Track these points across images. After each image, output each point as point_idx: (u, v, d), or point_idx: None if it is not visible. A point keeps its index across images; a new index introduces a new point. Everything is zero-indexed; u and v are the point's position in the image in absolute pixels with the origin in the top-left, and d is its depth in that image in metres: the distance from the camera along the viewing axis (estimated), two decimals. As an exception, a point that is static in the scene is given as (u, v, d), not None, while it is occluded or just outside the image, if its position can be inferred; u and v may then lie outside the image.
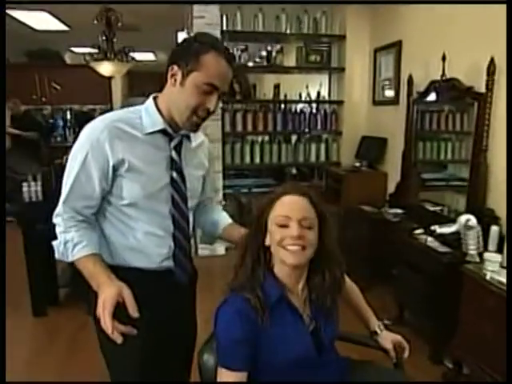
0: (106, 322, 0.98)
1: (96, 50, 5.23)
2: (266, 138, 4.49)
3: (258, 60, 4.14)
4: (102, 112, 7.35)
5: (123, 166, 1.13)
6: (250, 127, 4.13)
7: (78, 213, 1.14)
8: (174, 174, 1.21)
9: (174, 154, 1.21)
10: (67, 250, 1.12)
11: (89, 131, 1.14)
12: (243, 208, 3.12)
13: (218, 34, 3.72)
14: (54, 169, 3.09)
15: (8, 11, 5.03)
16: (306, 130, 4.29)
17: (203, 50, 1.10)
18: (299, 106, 4.55)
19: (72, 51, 7.36)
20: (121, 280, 1.10)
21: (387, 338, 1.29)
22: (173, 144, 1.21)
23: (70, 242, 1.12)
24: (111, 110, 8.07)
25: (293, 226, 1.00)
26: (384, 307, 2.85)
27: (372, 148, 3.94)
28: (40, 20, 5.42)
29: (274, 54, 4.07)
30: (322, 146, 4.28)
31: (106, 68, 5.20)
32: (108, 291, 1.02)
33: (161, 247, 1.22)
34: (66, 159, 1.22)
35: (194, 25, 3.69)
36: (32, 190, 2.87)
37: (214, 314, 1.06)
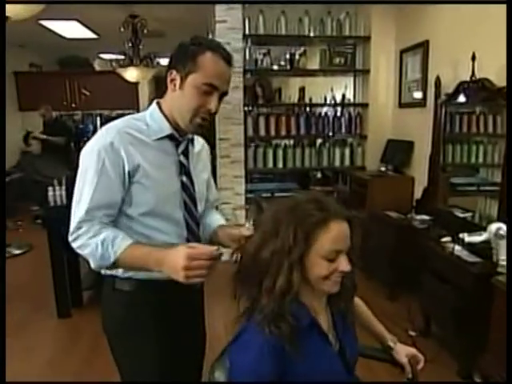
0: (203, 263, 0.97)
1: (122, 57, 5.34)
2: (290, 141, 4.44)
3: (281, 63, 4.10)
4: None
5: (138, 172, 1.12)
6: (273, 131, 4.09)
7: (100, 221, 1.10)
8: (184, 179, 1.21)
9: (182, 158, 1.21)
10: (107, 249, 1.06)
11: (100, 139, 1.12)
12: (262, 211, 3.08)
13: (240, 38, 3.72)
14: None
15: (41, 22, 5.20)
16: (331, 133, 4.21)
17: (199, 52, 1.10)
18: (324, 110, 4.48)
19: (101, 58, 7.55)
20: (137, 293, 1.12)
21: (402, 353, 1.21)
22: (180, 149, 1.21)
23: (107, 239, 1.07)
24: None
25: (343, 260, 0.93)
26: (409, 317, 2.75)
27: (398, 152, 3.83)
28: (70, 29, 5.58)
29: (297, 57, 4.03)
30: (347, 150, 4.20)
31: (131, 74, 5.30)
32: (176, 253, 0.99)
33: None
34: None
35: (217, 29, 3.69)
36: (57, 193, 2.94)
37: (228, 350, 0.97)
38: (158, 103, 1.21)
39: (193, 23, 5.06)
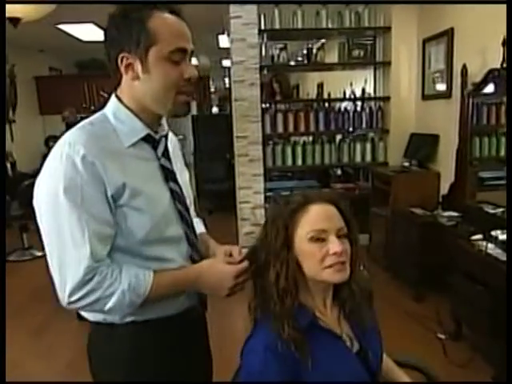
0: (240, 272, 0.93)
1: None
2: (309, 138, 4.35)
3: (299, 58, 4.02)
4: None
5: (124, 193, 0.87)
6: (291, 128, 4.01)
7: (107, 261, 0.89)
8: (173, 186, 0.98)
9: (163, 161, 0.98)
10: (135, 290, 0.88)
11: (63, 162, 0.84)
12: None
13: (255, 33, 3.64)
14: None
15: (58, 26, 5.25)
16: (351, 128, 4.09)
17: (145, 17, 0.87)
18: (343, 105, 4.36)
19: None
20: (139, 336, 0.95)
21: None
22: (160, 150, 0.98)
23: (131, 281, 0.88)
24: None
25: (332, 241, 0.87)
26: (437, 319, 2.63)
27: (422, 146, 3.67)
28: (87, 32, 5.62)
29: (314, 51, 3.93)
30: (368, 146, 4.07)
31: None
32: (216, 270, 0.94)
33: None
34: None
35: (231, 25, 3.63)
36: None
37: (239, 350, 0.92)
38: (117, 98, 0.96)
39: (209, 21, 5.00)
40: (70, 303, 0.86)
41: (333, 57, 4.19)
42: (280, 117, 3.97)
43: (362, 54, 3.92)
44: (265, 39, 3.75)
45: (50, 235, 0.86)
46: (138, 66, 0.89)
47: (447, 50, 3.27)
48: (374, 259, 3.71)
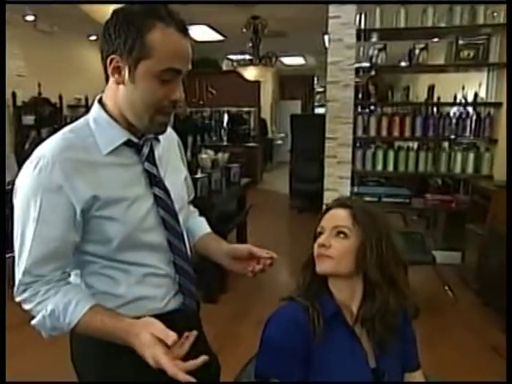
0: (177, 373, 0.74)
1: (247, 57, 5.61)
2: (406, 144, 4.11)
3: (399, 59, 3.82)
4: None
5: (95, 205, 0.86)
6: (384, 132, 3.84)
7: (48, 278, 0.87)
8: (157, 191, 0.94)
9: (147, 165, 0.94)
10: (58, 320, 0.85)
11: (32, 173, 0.84)
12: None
13: (353, 33, 3.56)
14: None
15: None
16: (452, 136, 3.76)
17: (145, 26, 0.82)
18: (450, 110, 4.03)
19: (228, 59, 8.05)
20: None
21: None
22: (144, 154, 0.94)
23: (57, 309, 0.85)
24: (259, 112, 8.58)
25: (324, 235, 0.98)
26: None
27: (536, 160, 3.21)
28: (200, 32, 6.07)
29: (417, 51, 3.68)
30: (471, 156, 3.69)
31: (250, 73, 5.53)
32: (142, 344, 0.79)
33: (162, 286, 0.98)
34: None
35: (330, 25, 3.60)
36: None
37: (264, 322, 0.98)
38: (100, 102, 0.92)
39: (314, 22, 5.02)
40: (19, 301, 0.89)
41: (437, 58, 3.88)
42: (373, 120, 3.83)
43: (471, 54, 3.56)
44: (362, 39, 3.63)
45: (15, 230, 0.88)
46: (126, 73, 0.85)
47: None
48: (465, 281, 3.38)
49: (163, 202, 0.95)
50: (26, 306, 0.88)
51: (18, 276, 0.86)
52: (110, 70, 0.86)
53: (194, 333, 0.79)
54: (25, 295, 0.87)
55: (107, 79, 0.90)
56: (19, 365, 2.29)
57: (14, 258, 0.88)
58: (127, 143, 0.91)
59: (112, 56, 0.84)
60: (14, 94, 4.87)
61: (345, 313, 0.96)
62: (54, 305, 0.85)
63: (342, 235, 0.96)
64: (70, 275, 0.93)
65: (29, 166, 0.85)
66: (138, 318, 0.91)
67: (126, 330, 0.82)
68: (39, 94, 5.10)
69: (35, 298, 0.86)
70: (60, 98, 5.37)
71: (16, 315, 0.93)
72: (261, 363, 0.95)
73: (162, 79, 0.84)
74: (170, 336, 0.77)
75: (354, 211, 0.98)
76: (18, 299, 0.88)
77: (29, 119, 4.99)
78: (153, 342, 0.77)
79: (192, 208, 1.25)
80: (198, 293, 1.08)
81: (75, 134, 0.89)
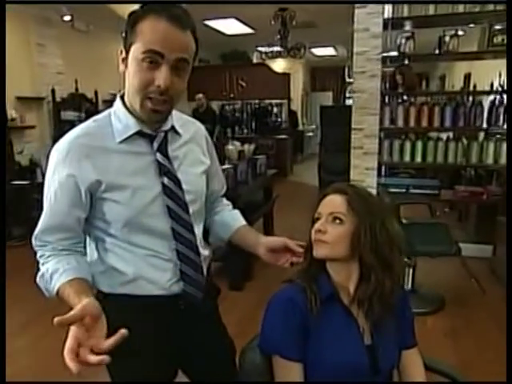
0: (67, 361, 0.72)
1: (277, 49, 5.62)
2: (434, 134, 4.02)
3: (428, 47, 3.72)
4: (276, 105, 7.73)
5: (100, 188, 0.95)
6: (412, 122, 3.76)
7: (53, 245, 0.99)
8: (166, 180, 1.00)
9: (159, 156, 1.00)
10: (46, 283, 0.95)
11: (54, 156, 0.97)
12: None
13: (380, 22, 3.50)
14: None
15: (205, 22, 5.86)
16: (484, 125, 3.64)
17: (140, 17, 0.90)
18: (481, 98, 3.89)
19: (258, 51, 8.10)
20: (125, 309, 0.98)
21: None
22: (156, 145, 1.00)
23: (47, 273, 0.95)
24: (289, 105, 8.57)
25: (319, 222, 1.02)
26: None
27: None
28: (230, 26, 6.14)
29: (447, 39, 3.58)
30: (504, 146, 3.56)
31: (279, 65, 5.54)
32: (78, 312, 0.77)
33: (165, 271, 1.03)
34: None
35: (356, 15, 3.56)
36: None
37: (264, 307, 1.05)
38: (121, 96, 1.01)
39: (341, 11, 4.99)
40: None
41: (470, 45, 3.75)
42: (401, 110, 3.76)
43: (506, 40, 3.42)
44: (389, 28, 3.57)
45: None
46: (125, 60, 0.94)
47: None
48: (496, 275, 3.29)
49: (171, 192, 1.00)
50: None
51: (36, 230, 1.00)
52: (120, 61, 0.95)
53: (123, 331, 0.76)
54: (38, 253, 1.00)
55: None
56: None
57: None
58: (141, 134, 0.99)
59: (120, 48, 0.94)
60: (53, 91, 5.13)
61: (341, 293, 1.01)
62: (47, 268, 0.96)
63: (337, 221, 1.00)
64: (84, 248, 1.04)
65: (54, 148, 0.98)
66: (143, 296, 1.02)
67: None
68: (76, 89, 5.35)
69: (40, 258, 0.99)
70: (96, 93, 5.61)
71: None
72: (262, 340, 1.02)
73: (146, 62, 0.89)
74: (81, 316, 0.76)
75: (349, 197, 1.01)
76: (34, 246, 1.01)
77: (67, 114, 5.25)
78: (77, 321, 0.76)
79: (226, 201, 1.31)
80: (218, 282, 1.16)
81: (97, 123, 1.00)
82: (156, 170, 1.00)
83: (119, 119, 0.99)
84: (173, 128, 1.04)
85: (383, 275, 0.97)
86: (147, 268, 1.02)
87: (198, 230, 1.11)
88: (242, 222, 1.25)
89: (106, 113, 1.02)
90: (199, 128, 1.16)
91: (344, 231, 0.99)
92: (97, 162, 0.95)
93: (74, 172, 0.94)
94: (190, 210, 1.05)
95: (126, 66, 0.93)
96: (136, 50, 0.90)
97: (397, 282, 1.00)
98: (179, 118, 1.08)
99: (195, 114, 6.72)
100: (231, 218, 1.25)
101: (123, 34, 0.94)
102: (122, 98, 1.01)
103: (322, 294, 0.99)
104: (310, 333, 0.97)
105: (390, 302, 0.98)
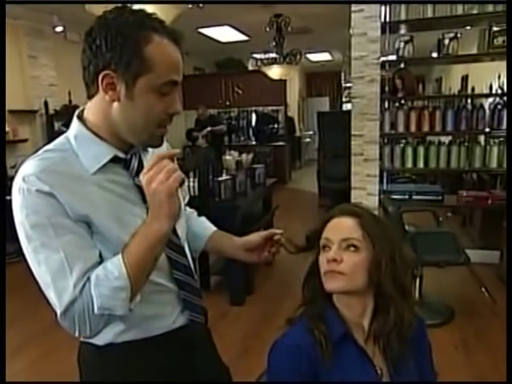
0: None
1: (272, 55, 5.57)
2: (436, 138, 3.95)
3: (426, 51, 3.66)
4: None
5: (91, 226, 0.82)
6: (413, 127, 3.69)
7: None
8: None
9: (138, 181, 0.84)
10: (108, 278, 0.78)
11: (23, 196, 0.78)
12: (386, 215, 2.80)
13: (378, 26, 3.44)
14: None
15: (200, 30, 5.82)
16: (487, 129, 3.56)
17: (143, 39, 0.78)
18: (481, 101, 3.82)
19: (253, 58, 8.07)
20: (127, 358, 0.89)
21: None
22: (133, 169, 0.89)
23: (100, 274, 0.79)
24: (286, 111, 8.50)
25: (332, 249, 0.90)
26: None
27: None
28: (224, 33, 6.10)
29: (446, 42, 3.52)
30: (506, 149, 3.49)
31: (275, 72, 5.49)
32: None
33: (168, 303, 0.95)
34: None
35: (353, 20, 3.50)
36: (190, 185, 3.21)
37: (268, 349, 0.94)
38: (80, 119, 0.87)
39: (338, 17, 4.93)
40: (63, 322, 0.80)
41: (469, 47, 3.69)
42: (401, 115, 3.69)
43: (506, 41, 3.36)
44: (387, 33, 3.51)
45: (37, 271, 0.80)
46: (122, 89, 0.80)
47: None
48: (504, 281, 3.20)
49: None
50: (76, 313, 0.78)
51: (67, 293, 0.78)
52: (101, 87, 0.80)
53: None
54: (70, 304, 0.78)
55: (89, 93, 0.85)
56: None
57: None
58: (113, 159, 0.86)
59: (105, 72, 0.79)
60: (46, 103, 5.05)
61: (354, 332, 0.90)
62: (96, 273, 0.79)
63: (352, 248, 0.89)
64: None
65: (16, 192, 0.79)
66: (149, 339, 0.91)
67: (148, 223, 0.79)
68: (70, 101, 5.26)
69: (81, 293, 0.79)
70: (90, 104, 5.53)
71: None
72: None
73: (161, 93, 0.81)
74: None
75: (362, 221, 0.91)
76: (63, 319, 0.79)
77: (61, 126, 5.16)
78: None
79: (189, 209, 1.21)
80: (209, 294, 1.07)
81: (55, 154, 0.83)
82: (137, 195, 0.88)
83: (84, 145, 0.84)
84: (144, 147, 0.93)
85: (402, 305, 0.88)
86: (150, 305, 0.89)
87: (188, 251, 1.02)
88: (213, 228, 1.19)
89: (61, 140, 0.86)
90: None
91: (361, 260, 0.88)
92: (80, 194, 0.80)
93: (64, 205, 0.78)
94: (179, 232, 0.96)
95: (128, 97, 0.80)
96: (151, 81, 0.79)
97: (413, 311, 0.90)
98: None
99: (198, 123, 6.68)
100: (202, 227, 1.18)
101: (107, 54, 0.78)
102: (81, 119, 0.87)
103: (334, 335, 0.87)
104: (320, 379, 0.86)
105: (409, 334, 0.89)
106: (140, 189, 0.85)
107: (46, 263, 0.78)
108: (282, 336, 0.92)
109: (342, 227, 0.92)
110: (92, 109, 0.86)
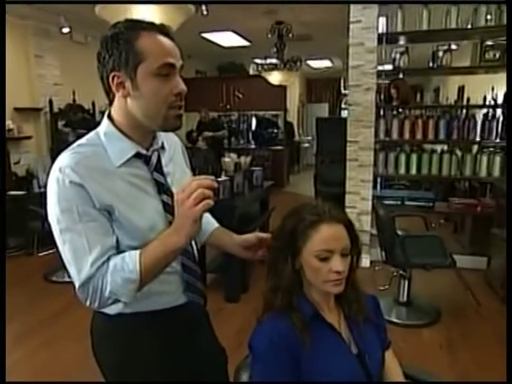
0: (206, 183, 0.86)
1: (273, 61, 5.69)
2: (429, 146, 4.06)
3: (421, 62, 3.79)
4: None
5: (112, 212, 0.93)
6: (407, 135, 3.81)
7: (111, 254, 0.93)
8: (165, 198, 1.01)
9: (156, 175, 1.01)
10: (123, 270, 0.89)
11: (58, 185, 0.90)
12: (378, 219, 2.92)
13: (374, 37, 3.57)
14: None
15: (203, 34, 5.93)
16: (478, 138, 3.69)
17: (132, 38, 0.91)
18: (474, 112, 3.95)
19: (255, 63, 8.20)
20: (133, 328, 1.02)
21: None
22: (152, 165, 1.01)
23: (117, 264, 0.90)
24: (285, 116, 8.63)
25: (336, 260, 0.96)
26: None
27: None
28: (227, 38, 6.21)
29: (440, 54, 3.65)
30: (497, 159, 3.61)
31: (275, 77, 5.61)
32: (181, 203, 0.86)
33: (172, 283, 1.06)
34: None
35: (351, 30, 3.62)
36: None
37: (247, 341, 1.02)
38: (109, 118, 1.00)
39: (336, 24, 5.06)
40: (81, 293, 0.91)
41: (463, 59, 3.82)
42: (396, 123, 3.81)
43: (497, 55, 3.49)
44: (384, 43, 3.64)
45: (62, 248, 0.92)
46: (129, 84, 0.93)
47: None
48: (491, 287, 3.32)
49: (170, 207, 0.98)
50: (99, 285, 0.90)
51: (84, 272, 0.90)
52: (114, 87, 0.94)
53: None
54: (91, 283, 0.91)
55: (109, 96, 0.98)
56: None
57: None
58: (136, 155, 0.99)
59: (113, 73, 0.93)
60: (50, 102, 5.16)
61: (322, 312, 1.01)
62: (113, 262, 0.90)
63: (346, 255, 0.98)
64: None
65: (52, 181, 0.91)
66: (154, 312, 1.03)
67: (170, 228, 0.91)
68: (74, 101, 5.37)
69: (100, 275, 0.91)
70: (93, 104, 5.63)
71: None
72: (255, 374, 0.99)
73: (161, 75, 0.92)
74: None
75: (348, 227, 0.99)
76: (81, 293, 0.91)
77: (62, 126, 5.27)
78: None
79: None
80: (206, 290, 1.17)
81: (87, 148, 0.96)
82: (155, 189, 1.01)
83: (112, 142, 0.97)
84: (162, 145, 1.06)
85: (357, 283, 1.04)
86: (157, 283, 0.98)
87: (194, 240, 1.14)
88: (215, 224, 1.30)
89: (93, 135, 1.00)
90: (175, 139, 1.19)
91: (349, 263, 1.00)
92: (106, 185, 0.93)
93: (92, 196, 0.90)
94: None
95: (135, 88, 0.93)
96: (147, 67, 0.91)
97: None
98: (160, 133, 1.08)
99: (200, 126, 6.78)
100: (205, 222, 1.21)
101: (111, 59, 0.92)
102: (110, 118, 1.00)
103: (305, 317, 0.97)
104: (302, 360, 0.95)
105: (366, 307, 1.05)
106: (157, 182, 1.01)
107: (69, 243, 0.90)
108: (263, 325, 1.01)
109: (339, 237, 0.97)
110: (114, 108, 0.99)
